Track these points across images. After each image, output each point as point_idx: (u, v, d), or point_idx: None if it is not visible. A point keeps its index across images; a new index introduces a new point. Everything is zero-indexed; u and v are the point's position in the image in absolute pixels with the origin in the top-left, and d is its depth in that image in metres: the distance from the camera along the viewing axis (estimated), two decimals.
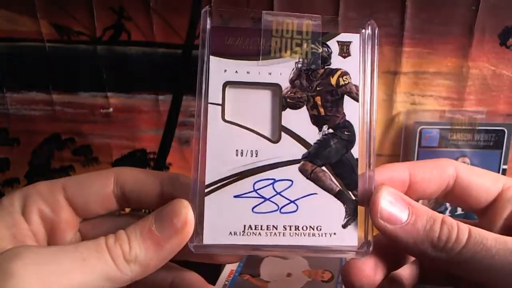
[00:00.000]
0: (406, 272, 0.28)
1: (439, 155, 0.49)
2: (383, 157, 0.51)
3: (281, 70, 0.25)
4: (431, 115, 0.49)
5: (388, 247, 0.25)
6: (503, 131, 0.49)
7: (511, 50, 0.48)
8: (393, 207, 0.24)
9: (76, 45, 0.49)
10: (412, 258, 0.28)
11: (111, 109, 0.51)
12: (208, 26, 0.24)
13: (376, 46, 0.25)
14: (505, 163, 0.50)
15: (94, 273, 0.21)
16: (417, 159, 0.50)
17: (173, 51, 0.49)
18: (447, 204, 0.49)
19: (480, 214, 0.27)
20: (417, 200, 0.25)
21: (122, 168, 0.26)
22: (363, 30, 0.25)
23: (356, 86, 0.25)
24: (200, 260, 0.26)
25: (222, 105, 0.24)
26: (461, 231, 0.23)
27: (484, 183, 0.26)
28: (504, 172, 0.50)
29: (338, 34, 0.25)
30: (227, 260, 0.27)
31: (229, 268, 0.45)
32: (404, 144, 0.50)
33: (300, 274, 0.44)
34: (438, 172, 0.26)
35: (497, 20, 0.47)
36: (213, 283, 0.40)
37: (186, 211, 0.23)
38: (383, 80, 0.49)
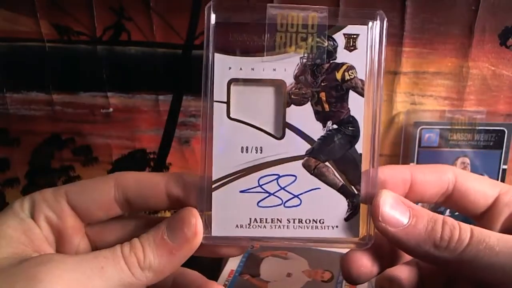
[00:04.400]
0: (405, 275, 0.29)
1: (439, 155, 0.50)
2: (383, 157, 0.51)
3: (285, 66, 0.25)
4: (431, 115, 0.49)
5: (386, 243, 0.26)
6: (503, 131, 0.49)
7: (511, 50, 0.48)
8: (394, 210, 0.24)
9: (76, 45, 0.49)
10: (408, 257, 0.28)
11: (111, 109, 0.51)
12: (212, 22, 0.24)
13: (384, 39, 0.25)
14: (505, 163, 0.50)
15: (111, 280, 0.22)
16: (417, 159, 0.50)
17: (173, 51, 0.49)
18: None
19: (478, 219, 0.27)
20: (417, 203, 0.26)
21: (123, 173, 0.27)
22: (371, 22, 0.25)
23: (362, 81, 0.25)
24: (206, 254, 0.27)
25: (227, 102, 0.25)
26: (463, 230, 0.23)
27: (481, 188, 0.27)
28: (504, 172, 0.50)
29: (345, 26, 0.25)
30: (232, 253, 0.27)
31: (229, 268, 0.45)
32: (404, 144, 0.50)
33: (300, 274, 0.44)
34: (438, 176, 0.27)
35: (497, 20, 0.47)
36: None
37: (195, 221, 0.24)
38: (383, 80, 0.49)
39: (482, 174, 0.50)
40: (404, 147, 0.50)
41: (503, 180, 0.50)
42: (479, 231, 0.23)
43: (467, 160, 0.50)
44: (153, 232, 0.24)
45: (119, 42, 0.49)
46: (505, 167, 0.50)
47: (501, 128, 0.49)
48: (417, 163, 0.50)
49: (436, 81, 0.49)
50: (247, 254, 0.47)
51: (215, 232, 0.25)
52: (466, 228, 0.23)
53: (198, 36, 0.48)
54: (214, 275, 0.43)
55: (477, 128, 0.49)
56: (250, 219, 0.25)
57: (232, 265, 0.45)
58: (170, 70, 0.50)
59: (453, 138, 0.49)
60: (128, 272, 0.23)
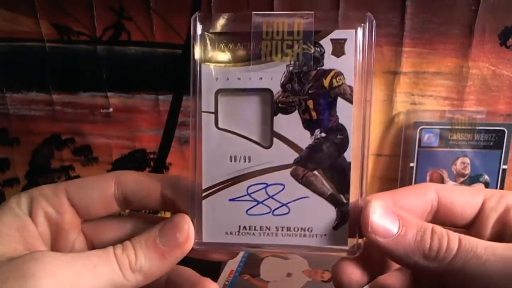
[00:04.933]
0: (398, 282, 0.29)
1: (439, 155, 0.50)
2: (383, 157, 0.51)
3: (272, 74, 0.24)
4: (431, 115, 0.49)
5: (375, 252, 0.25)
6: (503, 131, 0.49)
7: (511, 50, 0.48)
8: (383, 220, 0.24)
9: (76, 45, 0.49)
10: (397, 265, 0.28)
11: (111, 109, 0.51)
12: (198, 33, 0.24)
13: (373, 42, 0.24)
14: (505, 163, 0.50)
15: (102, 279, 0.22)
16: (417, 159, 0.50)
17: (173, 51, 0.49)
18: None
19: (468, 228, 0.27)
20: None
21: (123, 172, 0.27)
22: (359, 26, 0.24)
23: (350, 87, 0.24)
24: (198, 257, 0.27)
25: (215, 113, 0.25)
26: (452, 240, 0.23)
27: (465, 198, 0.27)
28: (504, 172, 0.50)
29: (332, 31, 0.24)
30: (223, 258, 0.28)
31: (229, 268, 0.45)
32: (404, 144, 0.50)
33: (300, 274, 0.44)
34: (420, 197, 0.27)
35: (497, 20, 0.47)
36: None
37: (188, 227, 0.24)
38: (383, 80, 0.49)
39: (482, 174, 0.50)
40: (404, 147, 0.50)
41: (503, 180, 0.50)
42: (467, 240, 0.23)
43: (467, 160, 0.50)
44: (146, 235, 0.24)
45: (119, 42, 0.49)
46: (505, 167, 0.50)
47: (501, 128, 0.49)
48: (417, 163, 0.50)
49: (436, 81, 0.49)
50: (247, 254, 0.47)
51: (206, 238, 0.25)
52: (454, 237, 0.23)
53: None
54: (214, 275, 0.43)
55: (477, 128, 0.49)
56: (239, 226, 0.25)
57: (232, 265, 0.45)
58: (170, 70, 0.50)
59: (453, 138, 0.49)
60: (120, 272, 0.23)
